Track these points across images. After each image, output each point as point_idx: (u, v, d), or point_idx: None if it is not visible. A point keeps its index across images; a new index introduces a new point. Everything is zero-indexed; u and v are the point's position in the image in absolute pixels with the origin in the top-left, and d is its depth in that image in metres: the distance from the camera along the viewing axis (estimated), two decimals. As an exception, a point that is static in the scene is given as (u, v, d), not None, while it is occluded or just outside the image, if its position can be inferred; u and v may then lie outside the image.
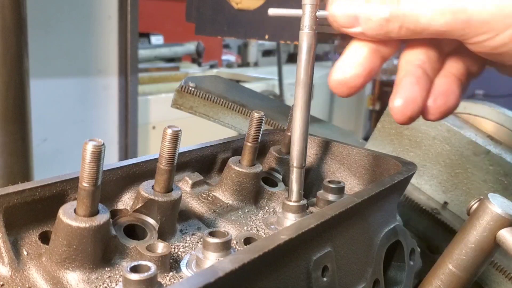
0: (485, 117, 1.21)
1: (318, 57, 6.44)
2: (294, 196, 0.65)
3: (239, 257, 0.43)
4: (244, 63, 5.16)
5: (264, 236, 0.65)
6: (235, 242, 0.61)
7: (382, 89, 6.08)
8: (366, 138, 1.25)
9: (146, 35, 3.84)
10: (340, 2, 0.53)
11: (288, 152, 0.80)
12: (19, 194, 0.53)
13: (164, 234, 0.59)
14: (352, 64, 0.54)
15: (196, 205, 0.68)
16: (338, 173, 0.85)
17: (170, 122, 0.61)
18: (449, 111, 0.55)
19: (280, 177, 0.79)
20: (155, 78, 3.42)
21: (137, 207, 0.59)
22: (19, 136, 1.50)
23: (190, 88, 1.21)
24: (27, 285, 0.51)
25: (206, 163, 0.77)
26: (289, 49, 6.19)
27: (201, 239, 0.56)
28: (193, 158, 0.74)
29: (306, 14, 0.58)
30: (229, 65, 4.91)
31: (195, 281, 0.39)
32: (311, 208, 0.73)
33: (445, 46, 0.56)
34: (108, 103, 2.82)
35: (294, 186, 0.65)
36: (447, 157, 1.08)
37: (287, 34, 1.12)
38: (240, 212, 0.70)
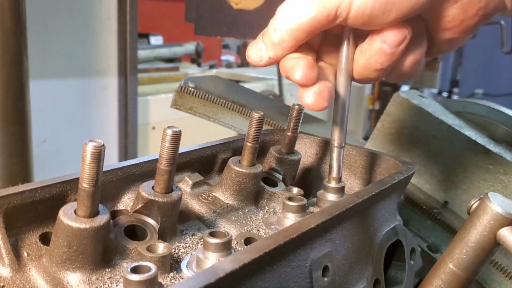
0: (484, 116, 1.21)
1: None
2: (335, 173, 0.70)
3: (239, 257, 0.43)
4: (244, 63, 5.16)
5: (264, 236, 0.65)
6: (235, 242, 0.61)
7: (382, 88, 6.08)
8: (366, 138, 1.25)
9: (145, 36, 3.84)
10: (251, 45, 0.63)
11: (288, 152, 0.80)
12: (19, 195, 0.53)
13: (164, 235, 0.59)
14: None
15: (196, 206, 0.68)
16: (338, 173, 0.85)
17: (170, 122, 0.62)
18: None
19: (280, 177, 0.79)
20: (155, 79, 3.42)
21: (137, 207, 0.59)
22: (19, 137, 1.50)
23: (190, 88, 1.21)
24: (27, 286, 0.51)
25: (206, 163, 0.77)
26: (288, 49, 6.17)
27: (202, 240, 0.56)
28: (193, 158, 0.74)
29: None
30: (229, 65, 4.91)
31: (196, 282, 0.39)
32: (311, 208, 0.73)
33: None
34: (108, 104, 2.82)
35: (335, 164, 0.70)
36: (447, 157, 1.08)
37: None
38: (240, 212, 0.70)
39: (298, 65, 0.60)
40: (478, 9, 0.59)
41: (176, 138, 0.56)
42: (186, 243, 0.61)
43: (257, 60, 0.63)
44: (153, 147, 3.05)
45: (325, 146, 0.87)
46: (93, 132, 2.75)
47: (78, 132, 2.66)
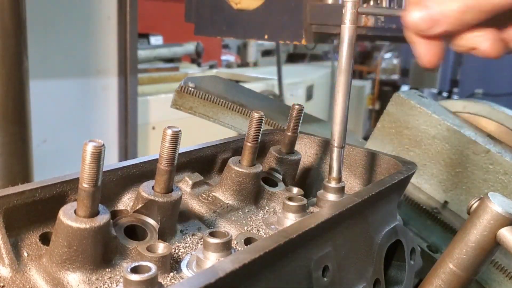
0: (485, 116, 1.21)
1: (317, 57, 6.44)
2: (335, 173, 0.70)
3: (239, 257, 0.43)
4: (244, 63, 5.16)
5: (264, 236, 0.65)
6: (235, 242, 0.61)
7: (382, 88, 6.08)
8: (366, 138, 1.25)
9: (145, 36, 3.84)
10: (416, 9, 0.56)
11: (288, 152, 0.80)
12: (19, 195, 0.53)
13: (164, 235, 0.59)
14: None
15: (196, 206, 0.68)
16: (338, 173, 0.85)
17: (170, 122, 0.62)
18: None
19: (280, 177, 0.79)
20: (155, 79, 3.42)
21: (137, 207, 0.59)
22: (19, 137, 1.50)
23: (190, 88, 1.21)
24: (27, 286, 0.51)
25: (206, 163, 0.77)
26: (288, 49, 6.19)
27: (202, 240, 0.56)
28: (193, 158, 0.74)
29: (348, 9, 0.65)
30: (229, 65, 4.92)
31: (196, 282, 0.39)
32: (311, 208, 0.73)
33: None
34: (108, 104, 2.82)
35: (335, 164, 0.70)
36: (447, 156, 1.08)
37: (287, 34, 1.12)
38: (240, 212, 0.70)
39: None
40: None
41: (176, 138, 0.56)
42: (186, 243, 0.61)
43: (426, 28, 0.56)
44: (153, 147, 3.05)
45: (325, 146, 0.87)
46: (93, 132, 2.75)
47: (78, 132, 2.66)
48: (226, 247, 0.53)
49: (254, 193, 0.72)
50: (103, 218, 0.51)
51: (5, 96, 1.43)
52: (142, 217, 0.59)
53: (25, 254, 0.53)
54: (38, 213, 0.55)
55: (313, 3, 1.07)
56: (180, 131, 0.56)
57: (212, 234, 0.54)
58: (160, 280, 0.48)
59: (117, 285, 0.52)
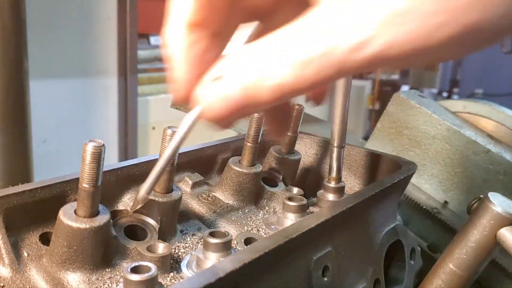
0: (484, 116, 1.20)
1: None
2: (335, 173, 0.70)
3: (239, 257, 0.43)
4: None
5: (264, 236, 0.65)
6: (235, 242, 0.61)
7: (382, 88, 6.07)
8: (366, 138, 1.25)
9: (145, 36, 3.84)
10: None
11: (288, 152, 0.80)
12: (19, 195, 0.53)
13: (164, 235, 0.59)
14: None
15: (196, 206, 0.68)
16: (338, 173, 0.85)
17: (170, 122, 0.61)
18: None
19: (280, 177, 0.79)
20: (155, 79, 3.41)
21: (137, 207, 0.59)
22: (19, 137, 1.50)
23: (190, 88, 1.21)
24: (27, 286, 0.50)
25: (206, 163, 0.77)
26: (288, 49, 6.17)
27: (202, 240, 0.56)
28: (193, 159, 0.74)
29: None
30: (229, 65, 4.90)
31: (196, 282, 0.39)
32: (311, 208, 0.73)
33: None
34: (108, 104, 2.82)
35: (335, 164, 0.71)
36: (447, 156, 1.08)
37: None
38: (240, 212, 0.70)
39: None
40: None
41: (176, 138, 0.56)
42: (186, 243, 0.61)
43: None
44: (153, 147, 3.05)
45: (325, 146, 0.87)
46: (93, 132, 2.75)
47: (78, 132, 2.66)
48: (226, 247, 0.53)
49: (254, 193, 0.72)
50: (103, 218, 0.51)
51: (5, 96, 1.43)
52: (142, 217, 0.59)
53: (25, 254, 0.53)
54: (38, 213, 0.55)
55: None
56: (180, 131, 0.56)
57: (212, 234, 0.54)
58: (160, 280, 0.48)
59: (117, 285, 0.52)
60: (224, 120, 0.37)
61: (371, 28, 0.31)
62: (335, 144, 0.70)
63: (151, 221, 0.59)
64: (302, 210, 0.66)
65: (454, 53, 0.33)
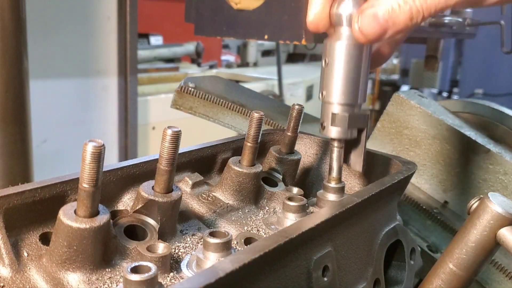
0: (484, 116, 1.21)
1: (317, 57, 6.44)
2: (335, 173, 0.71)
3: (239, 257, 0.43)
4: (244, 63, 5.16)
5: (264, 236, 0.65)
6: (235, 242, 0.61)
7: (382, 88, 6.08)
8: (366, 138, 1.25)
9: (145, 36, 3.84)
10: (366, 21, 0.61)
11: (288, 152, 0.80)
12: (19, 195, 0.53)
13: (164, 235, 0.59)
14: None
15: (196, 206, 0.68)
16: (338, 173, 0.85)
17: (170, 122, 0.62)
18: None
19: (280, 177, 0.79)
20: (155, 79, 3.42)
21: (137, 207, 0.59)
22: (19, 137, 1.50)
23: (190, 88, 1.21)
24: (27, 286, 0.51)
25: (206, 163, 0.77)
26: (288, 49, 6.18)
27: (202, 240, 0.56)
28: (193, 158, 0.74)
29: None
30: (229, 65, 4.91)
31: (196, 282, 0.39)
32: (311, 208, 0.73)
33: None
34: (108, 104, 2.82)
35: (335, 164, 0.71)
36: (447, 156, 1.08)
37: (287, 34, 1.12)
38: (240, 212, 0.70)
39: None
40: None
41: (176, 138, 0.56)
42: (186, 243, 0.61)
43: None
44: (153, 147, 3.05)
45: (325, 146, 0.87)
46: (93, 132, 2.75)
47: (78, 132, 2.66)
48: (226, 247, 0.53)
49: (254, 193, 0.72)
50: (103, 218, 0.51)
51: (5, 96, 1.43)
52: (142, 217, 0.59)
53: (25, 254, 0.53)
54: (38, 213, 0.55)
55: (313, 3, 1.07)
56: (180, 131, 0.56)
57: (212, 234, 0.54)
58: (160, 280, 0.48)
59: (117, 285, 0.52)
60: (374, 38, 0.60)
61: None
62: (335, 144, 0.71)
63: (151, 221, 0.59)
64: (302, 210, 0.66)
65: None
